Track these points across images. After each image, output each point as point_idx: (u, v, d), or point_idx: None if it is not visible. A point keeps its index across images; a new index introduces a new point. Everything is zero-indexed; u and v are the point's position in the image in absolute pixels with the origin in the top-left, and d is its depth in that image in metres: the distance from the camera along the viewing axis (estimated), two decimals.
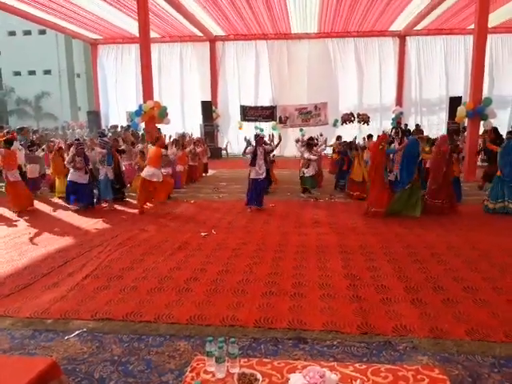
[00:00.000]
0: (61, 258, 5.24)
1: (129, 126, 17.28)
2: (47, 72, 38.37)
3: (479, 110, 11.36)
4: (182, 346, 3.15)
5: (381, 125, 18.59)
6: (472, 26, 13.12)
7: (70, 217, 7.66)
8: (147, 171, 7.91)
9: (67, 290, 4.22)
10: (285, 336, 3.28)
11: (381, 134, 9.18)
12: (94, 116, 20.63)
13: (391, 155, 8.11)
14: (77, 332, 3.37)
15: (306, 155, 9.37)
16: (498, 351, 3.01)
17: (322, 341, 3.20)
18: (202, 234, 6.33)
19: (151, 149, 8.29)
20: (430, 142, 9.35)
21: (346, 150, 10.03)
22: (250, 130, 18.97)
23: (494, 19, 14.74)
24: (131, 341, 3.24)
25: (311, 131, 17.02)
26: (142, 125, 13.35)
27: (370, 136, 11.60)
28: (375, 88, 19.17)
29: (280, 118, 17.30)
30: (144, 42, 12.72)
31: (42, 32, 35.41)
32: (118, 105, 20.52)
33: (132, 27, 16.22)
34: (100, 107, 21.00)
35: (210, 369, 2.05)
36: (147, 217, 7.63)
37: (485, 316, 3.53)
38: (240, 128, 18.90)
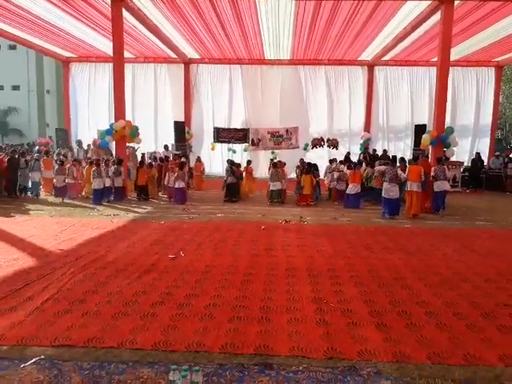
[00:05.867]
0: (20, 280, 5.03)
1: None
2: (16, 87, 37.50)
3: (442, 139, 11.90)
4: (146, 373, 3.06)
5: (349, 149, 19.12)
6: (435, 59, 13.85)
7: (33, 237, 7.40)
8: (412, 185, 9.92)
9: (25, 314, 4.04)
10: (251, 362, 3.25)
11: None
12: (63, 133, 20.22)
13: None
14: (34, 360, 3.22)
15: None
16: (457, 374, 3.09)
17: (288, 366, 3.19)
18: (170, 256, 6.25)
19: (412, 168, 10.19)
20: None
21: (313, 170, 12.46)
22: (223, 151, 19.19)
23: (455, 53, 15.68)
24: (92, 368, 3.13)
25: (283, 154, 17.37)
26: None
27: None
28: (344, 114, 19.81)
29: (252, 140, 17.51)
30: (118, 62, 12.73)
31: (13, 47, 34.80)
32: (89, 123, 20.24)
33: (106, 47, 16.26)
34: (70, 125, 20.64)
35: None
36: (114, 238, 7.47)
37: (445, 340, 3.62)
38: (213, 149, 19.00)
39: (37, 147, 18.33)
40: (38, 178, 12.78)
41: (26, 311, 4.12)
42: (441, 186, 10.38)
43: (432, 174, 10.46)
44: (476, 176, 15.74)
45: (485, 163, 16.90)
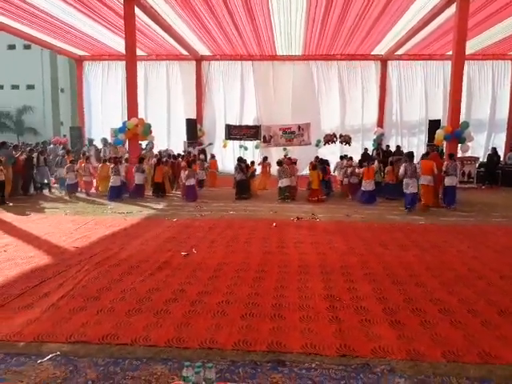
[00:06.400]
0: (36, 277, 5.12)
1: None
2: (30, 87, 38.02)
3: (457, 134, 11.71)
4: (159, 370, 3.09)
5: (362, 145, 18.95)
6: (450, 53, 13.62)
7: (49, 235, 7.51)
8: (425, 179, 10.27)
9: (41, 311, 4.11)
10: (263, 359, 3.25)
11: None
12: (78, 132, 20.46)
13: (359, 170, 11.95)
14: (50, 356, 3.28)
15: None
16: (472, 372, 3.05)
17: (300, 363, 3.18)
18: (183, 253, 6.29)
19: (425, 162, 10.53)
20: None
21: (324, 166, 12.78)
22: (234, 148, 19.21)
23: (470, 46, 15.37)
24: (107, 365, 3.17)
25: (295, 151, 17.30)
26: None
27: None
28: (357, 109, 19.61)
29: (264, 137, 17.47)
30: (130, 60, 12.81)
31: (27, 47, 35.25)
32: (103, 121, 20.44)
33: (119, 45, 16.36)
34: (84, 123, 20.88)
35: None
36: (127, 236, 7.54)
37: (460, 338, 3.58)
38: (224, 146, 19.01)
39: (51, 145, 18.55)
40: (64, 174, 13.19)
41: (41, 308, 4.19)
42: (449, 181, 10.69)
43: (444, 168, 10.65)
44: (492, 172, 15.46)
45: (501, 158, 16.59)
